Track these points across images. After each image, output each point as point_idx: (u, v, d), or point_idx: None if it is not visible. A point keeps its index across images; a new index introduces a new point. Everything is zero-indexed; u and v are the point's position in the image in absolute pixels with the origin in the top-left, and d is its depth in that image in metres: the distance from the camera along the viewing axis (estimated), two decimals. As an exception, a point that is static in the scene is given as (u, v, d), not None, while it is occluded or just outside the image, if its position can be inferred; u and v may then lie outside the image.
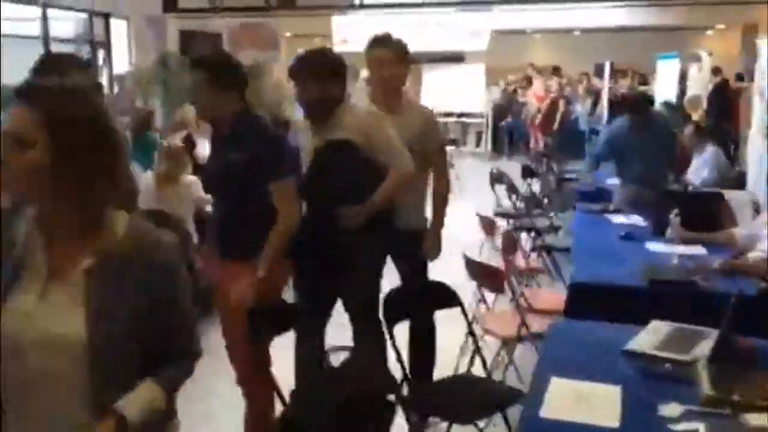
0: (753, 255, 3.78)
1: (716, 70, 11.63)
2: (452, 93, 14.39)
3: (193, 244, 4.66)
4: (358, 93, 10.32)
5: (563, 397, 2.10)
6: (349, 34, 14.20)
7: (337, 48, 14.51)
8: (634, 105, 5.29)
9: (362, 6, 13.46)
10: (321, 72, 2.88)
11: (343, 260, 2.79)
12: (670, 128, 5.69)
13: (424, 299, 2.95)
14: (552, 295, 4.00)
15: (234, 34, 10.29)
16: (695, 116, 9.26)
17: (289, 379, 2.65)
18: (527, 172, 7.18)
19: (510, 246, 3.83)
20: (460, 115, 14.20)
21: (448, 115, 14.93)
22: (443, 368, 3.35)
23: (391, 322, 2.73)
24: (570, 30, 19.39)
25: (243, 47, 10.25)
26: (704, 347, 2.42)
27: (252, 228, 2.71)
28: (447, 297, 2.97)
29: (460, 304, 3.01)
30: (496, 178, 6.21)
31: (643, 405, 2.06)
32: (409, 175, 2.98)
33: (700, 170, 6.39)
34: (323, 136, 2.90)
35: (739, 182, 6.68)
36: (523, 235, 5.48)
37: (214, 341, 2.76)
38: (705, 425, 1.90)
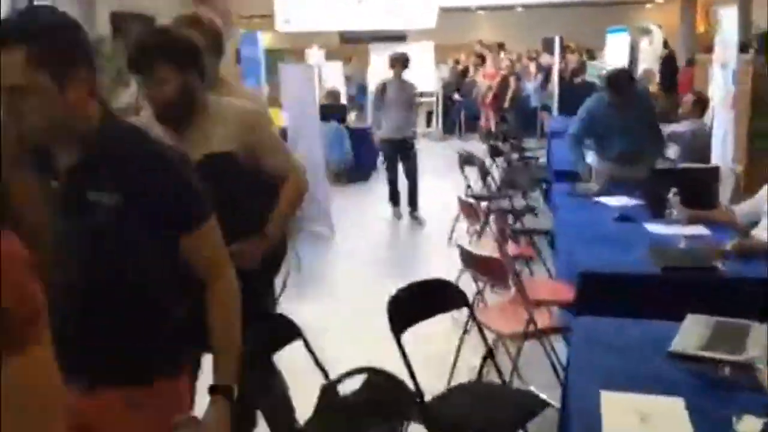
0: (757, 233, 3.60)
1: (664, 44, 11.62)
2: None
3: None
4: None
5: (624, 417, 1.81)
6: (293, 14, 13.70)
7: (280, 28, 14.00)
8: (617, 82, 4.98)
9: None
10: (181, 57, 2.13)
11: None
12: (652, 103, 5.48)
13: (431, 301, 2.62)
14: (548, 283, 3.73)
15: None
16: (650, 89, 9.17)
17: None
18: (494, 152, 6.90)
19: (503, 232, 3.54)
20: (410, 94, 13.87)
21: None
22: (445, 373, 3.05)
23: (399, 331, 2.39)
24: (513, 6, 19.31)
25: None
26: (756, 344, 2.18)
27: None
28: (454, 297, 2.66)
29: (467, 304, 2.70)
30: (466, 159, 5.92)
31: (713, 420, 1.79)
32: (305, 177, 2.52)
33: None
34: (192, 147, 2.04)
35: (703, 156, 6.56)
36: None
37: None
38: (796, 443, 1.64)
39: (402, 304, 2.48)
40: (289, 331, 2.40)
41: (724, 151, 6.75)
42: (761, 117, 7.16)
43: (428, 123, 14.56)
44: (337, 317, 4.65)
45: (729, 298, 2.77)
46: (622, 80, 4.89)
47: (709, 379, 2.00)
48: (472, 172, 6.06)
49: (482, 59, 14.81)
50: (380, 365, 1.98)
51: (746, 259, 3.06)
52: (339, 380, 1.80)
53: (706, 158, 6.21)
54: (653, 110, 5.30)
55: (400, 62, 7.02)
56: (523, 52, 16.45)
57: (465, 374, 3.20)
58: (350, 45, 18.72)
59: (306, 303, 5.02)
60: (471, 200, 4.43)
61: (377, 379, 1.86)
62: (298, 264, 5.63)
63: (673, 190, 3.67)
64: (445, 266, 4.97)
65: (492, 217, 3.84)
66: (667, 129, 5.98)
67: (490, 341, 3.42)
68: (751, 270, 2.95)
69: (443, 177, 10.16)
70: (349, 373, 1.85)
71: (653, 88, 9.24)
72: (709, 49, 12.80)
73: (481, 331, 2.70)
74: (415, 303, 2.55)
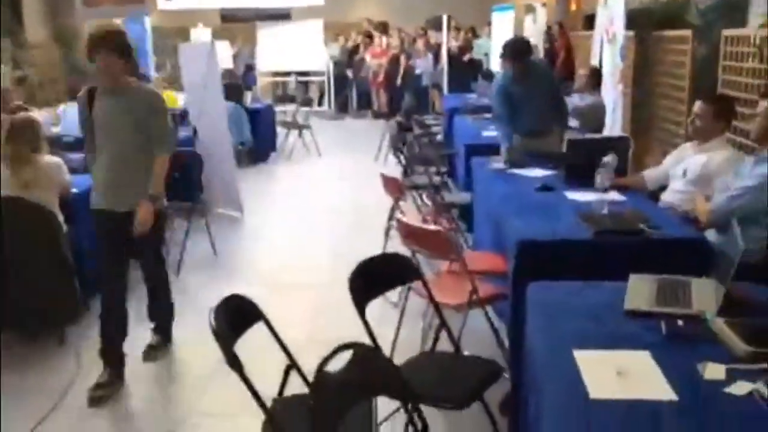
0: (665, 197, 3.87)
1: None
2: (290, 51, 13.84)
3: (62, 233, 3.98)
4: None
5: (601, 373, 1.91)
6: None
7: (162, 7, 13.42)
8: (516, 49, 5.10)
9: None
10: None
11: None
12: (552, 75, 5.68)
13: (389, 274, 2.64)
14: (474, 254, 3.83)
15: None
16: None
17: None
18: (403, 129, 6.97)
19: (438, 205, 3.60)
20: (300, 73, 13.72)
21: (287, 74, 14.40)
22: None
23: (362, 304, 2.41)
24: (396, -15, 19.44)
25: (100, 3, 8.95)
26: (701, 297, 2.35)
27: None
28: (409, 270, 2.69)
29: (420, 276, 2.74)
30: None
31: (682, 370, 1.92)
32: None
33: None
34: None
35: (598, 127, 6.91)
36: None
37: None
38: (763, 382, 1.79)
39: (361, 278, 2.49)
40: (252, 314, 2.37)
41: (614, 121, 7.16)
42: (641, 89, 7.66)
43: (320, 102, 14.46)
44: (260, 299, 4.58)
45: (656, 258, 2.95)
46: (520, 47, 5.04)
47: (667, 332, 2.14)
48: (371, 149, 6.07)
49: (370, 37, 14.86)
50: (307, 340, 2.01)
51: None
52: (329, 358, 1.77)
53: (600, 129, 6.56)
54: (556, 84, 5.52)
55: None
56: (410, 31, 16.61)
57: (408, 348, 3.23)
58: (232, 24, 18.22)
59: (228, 285, 4.91)
60: (395, 176, 4.46)
61: (365, 354, 1.86)
62: (213, 247, 5.50)
63: (606, 158, 3.85)
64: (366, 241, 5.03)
65: (417, 192, 3.87)
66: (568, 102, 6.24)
67: (428, 313, 3.52)
68: (674, 231, 3.16)
69: (343, 154, 10.19)
70: (337, 350, 1.83)
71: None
72: (585, 25, 13.48)
73: (436, 306, 2.74)
74: (374, 277, 2.56)
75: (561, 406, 1.84)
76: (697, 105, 3.75)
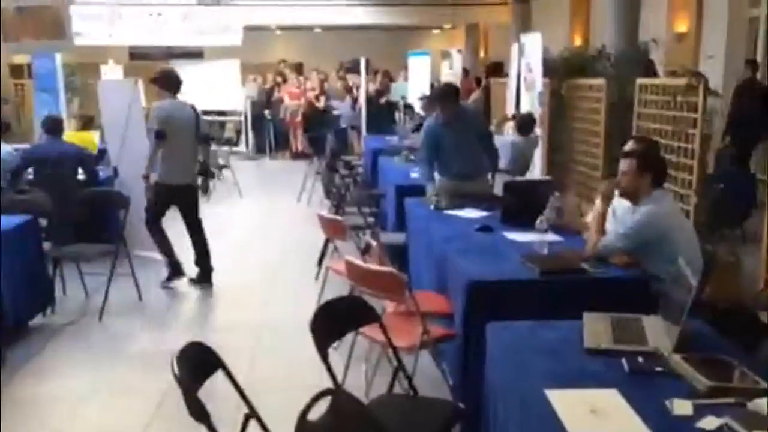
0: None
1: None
2: (206, 90, 13.63)
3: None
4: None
5: (576, 411, 1.94)
6: (84, 27, 12.77)
7: (79, 42, 12.95)
8: (444, 96, 5.23)
9: (100, -5, 12.17)
10: None
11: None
12: (482, 118, 5.83)
13: (348, 316, 2.60)
14: (421, 295, 3.83)
15: (8, 23, 8.46)
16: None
17: None
18: (332, 169, 6.96)
19: (382, 247, 3.59)
20: (219, 113, 13.53)
21: (207, 113, 14.16)
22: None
23: (325, 347, 2.35)
24: (311, 27, 19.65)
25: (20, 38, 8.48)
26: (654, 334, 2.44)
27: None
28: (366, 313, 2.66)
29: (378, 319, 2.72)
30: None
31: (652, 406, 1.97)
32: None
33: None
34: None
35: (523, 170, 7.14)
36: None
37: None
38: (729, 416, 1.86)
39: (322, 321, 2.44)
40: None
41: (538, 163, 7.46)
42: (557, 133, 8.00)
43: (236, 142, 14.29)
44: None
45: (599, 295, 3.04)
46: (450, 91, 5.19)
47: (629, 369, 2.20)
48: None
49: (284, 78, 14.89)
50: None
51: (603, 262, 3.39)
52: (310, 406, 1.72)
53: (525, 171, 6.77)
54: (486, 127, 5.67)
55: None
56: (326, 70, 16.76)
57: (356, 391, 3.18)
58: (141, 61, 17.85)
59: (158, 332, 4.72)
60: (336, 217, 4.44)
61: (343, 401, 1.81)
62: (138, 291, 5.27)
63: (552, 199, 3.95)
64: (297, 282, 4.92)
65: (362, 234, 3.86)
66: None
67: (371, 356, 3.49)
68: (614, 271, 3.28)
69: (267, 194, 10.08)
70: (317, 398, 1.78)
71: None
72: (494, 71, 14.02)
73: (394, 349, 2.72)
74: (334, 320, 2.51)
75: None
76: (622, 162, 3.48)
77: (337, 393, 1.81)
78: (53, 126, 6.30)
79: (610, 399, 2.02)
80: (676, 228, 3.38)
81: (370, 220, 5.41)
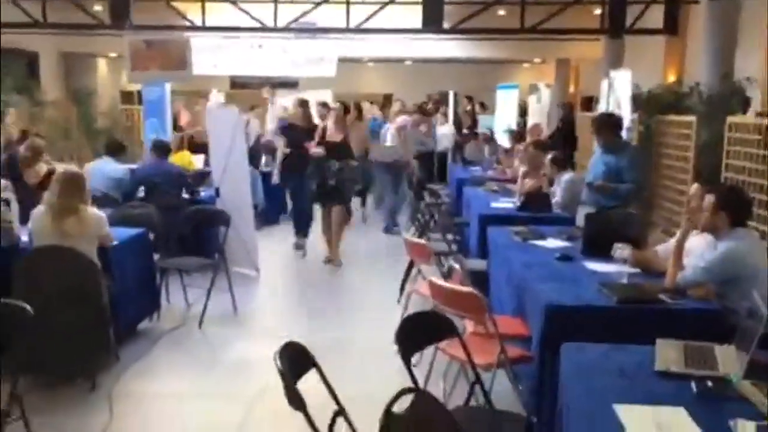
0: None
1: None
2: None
3: (103, 284, 4.14)
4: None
5: (642, 424, 2.07)
6: (193, 58, 13.61)
7: (196, 72, 13.80)
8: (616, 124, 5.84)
9: (206, 28, 12.96)
10: None
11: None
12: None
13: (430, 330, 2.82)
14: (501, 318, 4.00)
15: (138, 54, 9.33)
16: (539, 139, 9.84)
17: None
18: (419, 197, 7.22)
19: (465, 271, 3.79)
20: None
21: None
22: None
23: (408, 356, 2.57)
24: (402, 60, 20.15)
25: (147, 68, 9.33)
26: (726, 362, 2.53)
27: None
28: (447, 327, 2.87)
29: (458, 334, 2.91)
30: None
31: (716, 426, 2.09)
32: None
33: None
34: None
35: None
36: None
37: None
38: (790, 439, 1.96)
39: (406, 332, 2.66)
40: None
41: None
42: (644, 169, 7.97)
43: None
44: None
45: (675, 326, 3.13)
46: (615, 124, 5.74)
47: (698, 392, 2.31)
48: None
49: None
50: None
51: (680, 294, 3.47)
52: (394, 400, 1.94)
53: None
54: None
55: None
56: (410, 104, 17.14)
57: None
58: (241, 90, 18.83)
59: (249, 342, 5.05)
60: (421, 241, 4.68)
61: (422, 399, 2.01)
62: (233, 304, 5.64)
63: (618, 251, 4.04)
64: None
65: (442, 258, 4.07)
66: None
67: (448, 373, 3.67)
68: (689, 303, 3.36)
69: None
70: (400, 394, 1.99)
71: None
72: (584, 106, 13.99)
73: (472, 364, 2.91)
74: (416, 332, 2.73)
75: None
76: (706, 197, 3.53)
77: (418, 391, 2.01)
78: (160, 148, 6.89)
79: (677, 416, 2.14)
80: (756, 265, 3.42)
81: (454, 247, 5.59)
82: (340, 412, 2.54)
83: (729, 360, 2.54)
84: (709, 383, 2.35)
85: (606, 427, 2.11)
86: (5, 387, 2.88)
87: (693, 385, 2.35)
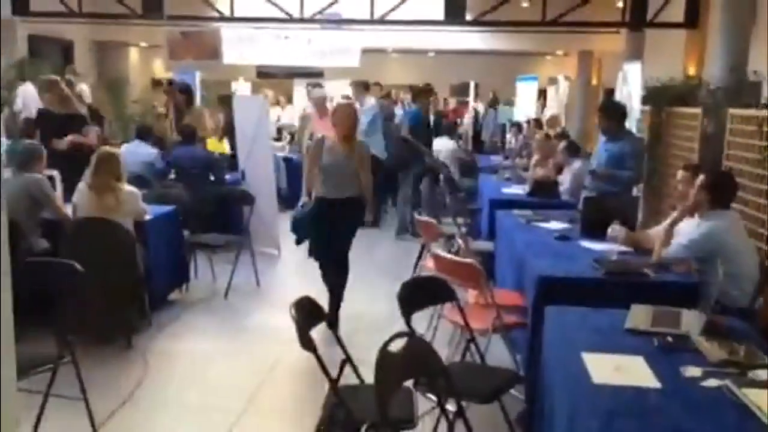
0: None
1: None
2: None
3: (139, 252, 4.55)
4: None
5: (603, 368, 2.41)
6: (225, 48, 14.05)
7: (227, 61, 14.26)
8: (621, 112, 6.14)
9: (235, 19, 13.35)
10: None
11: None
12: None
13: (429, 292, 3.17)
14: (502, 291, 4.33)
15: (175, 44, 9.88)
16: (552, 132, 10.10)
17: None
18: (435, 181, 7.56)
19: (467, 250, 4.13)
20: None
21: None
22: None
23: (409, 314, 2.93)
24: (425, 51, 20.44)
25: (183, 57, 9.89)
26: (689, 323, 2.85)
27: None
28: (445, 291, 3.22)
29: (456, 298, 3.26)
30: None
31: (667, 369, 2.42)
32: None
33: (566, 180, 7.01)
34: None
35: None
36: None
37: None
38: (730, 380, 2.28)
39: (407, 292, 3.01)
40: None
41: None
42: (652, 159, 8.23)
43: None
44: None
45: (655, 296, 3.44)
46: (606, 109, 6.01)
47: (658, 345, 2.64)
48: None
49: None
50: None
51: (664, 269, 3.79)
52: (389, 341, 2.29)
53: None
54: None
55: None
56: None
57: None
58: (266, 79, 19.28)
59: (270, 313, 5.44)
60: (431, 220, 5.03)
61: (416, 342, 2.37)
62: (256, 277, 6.03)
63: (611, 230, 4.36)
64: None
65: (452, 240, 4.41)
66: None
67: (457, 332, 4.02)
68: (669, 275, 3.68)
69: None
70: (395, 336, 2.35)
71: (554, 131, 10.08)
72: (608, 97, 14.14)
73: (467, 324, 3.26)
74: (418, 294, 3.08)
75: (569, 390, 2.35)
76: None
77: (411, 335, 2.36)
78: (187, 134, 7.29)
79: (634, 362, 2.48)
80: (734, 243, 3.72)
81: (463, 229, 5.92)
82: (347, 360, 2.92)
83: (692, 322, 2.86)
84: (670, 338, 2.68)
85: (574, 371, 2.45)
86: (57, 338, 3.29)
87: (655, 340, 2.68)
